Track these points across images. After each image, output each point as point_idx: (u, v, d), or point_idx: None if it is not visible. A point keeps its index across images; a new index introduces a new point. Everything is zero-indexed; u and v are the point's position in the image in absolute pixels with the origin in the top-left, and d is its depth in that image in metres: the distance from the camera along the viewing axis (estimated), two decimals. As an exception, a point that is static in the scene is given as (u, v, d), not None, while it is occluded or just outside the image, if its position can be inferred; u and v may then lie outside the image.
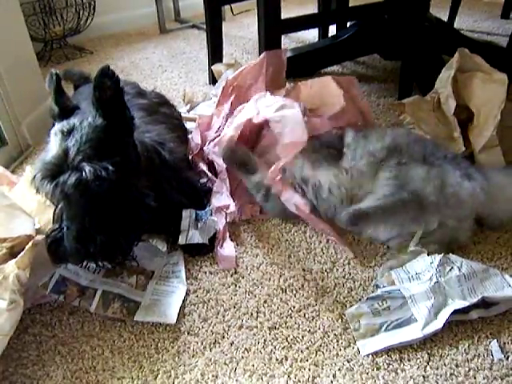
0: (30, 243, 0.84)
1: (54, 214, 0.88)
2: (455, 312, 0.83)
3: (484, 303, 0.85)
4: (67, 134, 0.85)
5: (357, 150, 1.10)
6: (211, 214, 1.07)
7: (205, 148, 1.27)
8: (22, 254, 0.83)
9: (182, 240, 1.00)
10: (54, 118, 0.92)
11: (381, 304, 0.86)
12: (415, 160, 1.04)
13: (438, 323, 0.82)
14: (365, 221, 0.99)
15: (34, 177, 0.84)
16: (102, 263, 0.88)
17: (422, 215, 0.97)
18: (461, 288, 0.86)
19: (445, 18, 2.14)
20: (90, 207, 0.83)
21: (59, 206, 0.85)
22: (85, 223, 0.83)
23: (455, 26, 2.21)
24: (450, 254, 0.93)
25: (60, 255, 0.84)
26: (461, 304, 0.83)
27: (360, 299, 0.91)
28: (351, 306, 0.89)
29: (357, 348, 0.82)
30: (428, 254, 0.93)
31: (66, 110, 0.91)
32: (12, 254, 0.86)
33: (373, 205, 0.98)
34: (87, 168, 0.81)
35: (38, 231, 0.89)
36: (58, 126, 0.88)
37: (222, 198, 1.12)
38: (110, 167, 0.83)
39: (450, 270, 0.89)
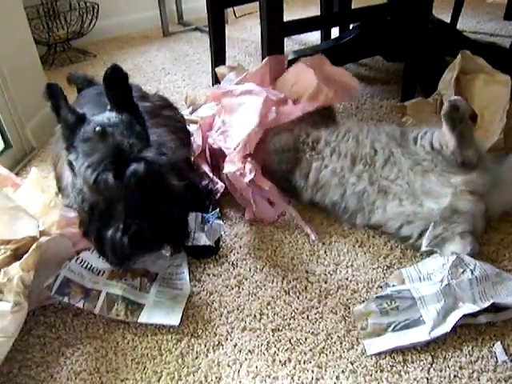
0: (34, 245, 0.84)
1: (113, 213, 0.84)
2: (464, 316, 0.82)
3: (494, 307, 0.84)
4: (102, 134, 0.85)
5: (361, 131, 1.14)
6: (217, 217, 1.07)
7: (209, 139, 1.27)
8: (26, 256, 0.83)
9: (188, 241, 1.00)
10: (73, 126, 0.89)
11: (389, 303, 0.85)
12: None
13: (447, 327, 0.81)
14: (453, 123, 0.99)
15: (97, 178, 0.82)
16: (180, 244, 0.95)
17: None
18: (472, 291, 0.85)
19: (447, 20, 2.14)
20: (158, 193, 0.85)
21: (120, 205, 0.83)
22: (157, 210, 0.84)
23: (458, 27, 2.21)
24: (464, 256, 0.91)
25: (141, 248, 0.86)
26: (471, 308, 0.82)
27: (364, 301, 0.91)
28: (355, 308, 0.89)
29: (360, 350, 0.82)
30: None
31: (80, 116, 0.91)
32: (16, 255, 0.86)
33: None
34: (151, 155, 0.84)
35: (42, 233, 0.90)
36: (86, 131, 0.87)
37: (230, 165, 1.13)
38: (165, 151, 0.87)
39: (463, 272, 0.87)
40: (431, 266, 0.91)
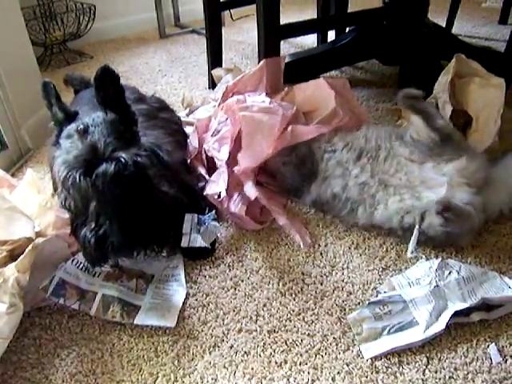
0: (30, 246, 0.84)
1: (88, 212, 0.84)
2: (456, 314, 0.83)
3: (485, 306, 0.85)
4: (84, 132, 0.85)
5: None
6: (213, 219, 1.07)
7: (204, 145, 1.27)
8: (21, 257, 0.83)
9: (184, 243, 1.00)
10: (60, 123, 0.92)
11: (382, 308, 0.86)
12: None
13: (440, 325, 0.82)
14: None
15: (67, 175, 0.82)
16: (158, 250, 0.92)
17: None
18: (461, 291, 0.87)
19: (443, 24, 2.15)
20: (130, 196, 0.83)
21: (93, 204, 0.83)
22: (128, 213, 0.82)
23: (453, 31, 2.23)
24: (448, 259, 0.95)
25: (108, 252, 0.84)
26: (461, 306, 0.84)
27: (359, 303, 0.91)
28: (350, 310, 0.90)
29: (356, 351, 0.82)
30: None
31: (70, 114, 0.92)
32: (12, 256, 0.86)
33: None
34: (125, 156, 0.82)
35: (38, 234, 0.89)
36: (70, 128, 0.88)
37: (214, 185, 1.14)
38: (143, 153, 0.85)
39: (449, 273, 0.90)
40: (419, 271, 0.93)
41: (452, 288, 0.87)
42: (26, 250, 0.83)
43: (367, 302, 0.88)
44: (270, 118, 1.17)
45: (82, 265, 0.92)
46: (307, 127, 1.20)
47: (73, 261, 0.92)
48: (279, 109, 1.19)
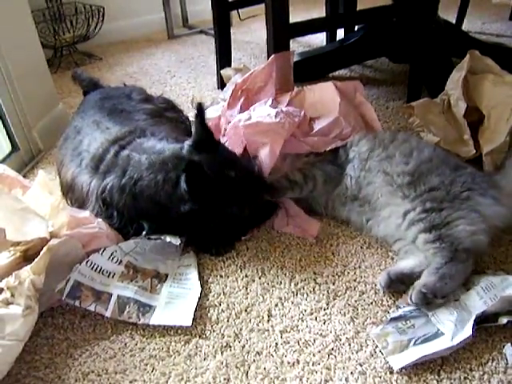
0: (45, 248, 0.84)
1: None
2: (485, 320, 0.82)
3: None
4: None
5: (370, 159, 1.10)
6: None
7: None
8: (37, 259, 0.83)
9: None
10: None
11: (405, 323, 0.84)
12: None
13: (466, 333, 0.80)
14: None
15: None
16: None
17: None
18: (482, 300, 0.85)
19: (453, 21, 2.13)
20: None
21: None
22: None
23: (463, 28, 2.20)
24: None
25: None
26: (481, 308, 0.82)
27: (372, 303, 0.90)
28: (363, 310, 0.89)
29: (369, 351, 0.81)
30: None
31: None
32: (26, 257, 0.86)
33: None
34: None
35: (51, 234, 0.90)
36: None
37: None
38: None
39: (468, 288, 0.88)
40: None
41: (473, 299, 0.85)
42: (41, 252, 0.84)
43: (389, 318, 0.86)
44: (275, 134, 1.13)
45: (96, 266, 0.92)
46: (298, 142, 1.17)
47: (87, 262, 0.92)
48: (285, 121, 1.14)
